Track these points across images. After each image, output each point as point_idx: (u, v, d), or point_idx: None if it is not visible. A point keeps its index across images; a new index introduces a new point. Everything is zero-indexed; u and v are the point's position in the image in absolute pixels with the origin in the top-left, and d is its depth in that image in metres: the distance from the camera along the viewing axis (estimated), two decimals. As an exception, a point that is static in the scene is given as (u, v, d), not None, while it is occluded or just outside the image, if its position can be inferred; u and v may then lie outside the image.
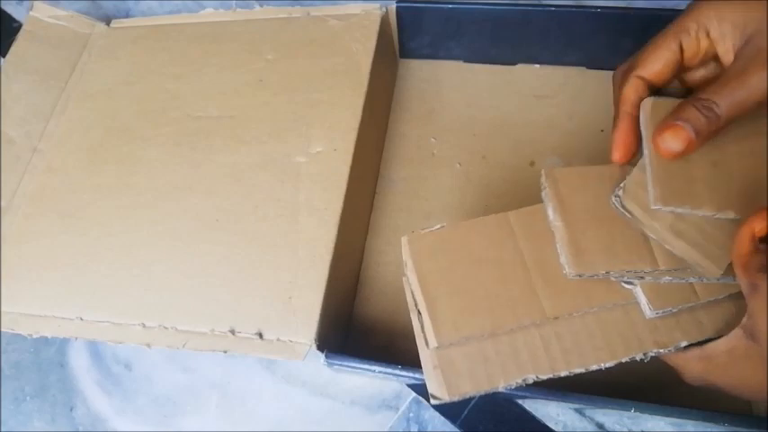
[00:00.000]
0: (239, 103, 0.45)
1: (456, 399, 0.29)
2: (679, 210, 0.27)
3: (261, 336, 0.36)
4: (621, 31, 0.46)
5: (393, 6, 0.48)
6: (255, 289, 0.38)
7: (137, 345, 0.37)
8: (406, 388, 0.43)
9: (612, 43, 0.47)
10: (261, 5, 0.50)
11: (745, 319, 0.27)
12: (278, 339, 0.36)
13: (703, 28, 0.27)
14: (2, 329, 0.40)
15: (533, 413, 0.41)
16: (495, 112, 0.50)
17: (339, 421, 0.42)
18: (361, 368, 0.36)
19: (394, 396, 0.43)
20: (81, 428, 0.44)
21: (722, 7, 0.27)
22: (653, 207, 0.27)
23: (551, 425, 0.40)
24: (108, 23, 0.54)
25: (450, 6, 0.47)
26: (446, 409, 0.41)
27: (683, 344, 0.29)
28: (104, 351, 0.47)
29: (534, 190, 0.45)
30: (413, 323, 0.31)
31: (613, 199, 0.29)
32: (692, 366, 0.29)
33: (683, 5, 0.43)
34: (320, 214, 0.39)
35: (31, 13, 0.52)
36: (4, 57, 0.51)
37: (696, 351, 0.29)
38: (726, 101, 0.25)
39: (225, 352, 0.36)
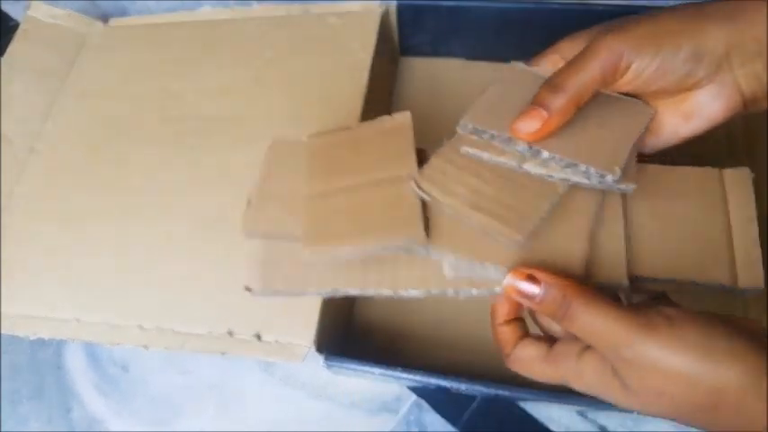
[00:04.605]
0: (238, 102, 0.45)
1: (267, 294, 0.30)
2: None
3: (259, 337, 0.36)
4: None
5: (393, 4, 0.47)
6: (254, 290, 0.37)
7: (134, 346, 0.37)
8: (407, 390, 0.42)
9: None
10: (259, 3, 0.50)
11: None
12: (276, 341, 0.35)
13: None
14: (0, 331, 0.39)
15: (535, 416, 0.40)
16: (496, 111, 0.49)
17: (338, 424, 0.42)
18: (361, 370, 0.35)
19: (394, 398, 0.42)
20: (78, 430, 0.44)
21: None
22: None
23: (553, 427, 0.40)
24: (105, 22, 0.53)
25: (451, 4, 0.47)
26: (447, 412, 0.41)
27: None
28: (101, 353, 0.46)
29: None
30: None
31: (412, 183, 0.30)
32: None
33: (684, 2, 0.42)
34: (319, 214, 0.39)
35: (28, 12, 0.52)
36: (1, 56, 0.51)
37: None
38: (570, 79, 0.28)
39: (223, 354, 0.36)
